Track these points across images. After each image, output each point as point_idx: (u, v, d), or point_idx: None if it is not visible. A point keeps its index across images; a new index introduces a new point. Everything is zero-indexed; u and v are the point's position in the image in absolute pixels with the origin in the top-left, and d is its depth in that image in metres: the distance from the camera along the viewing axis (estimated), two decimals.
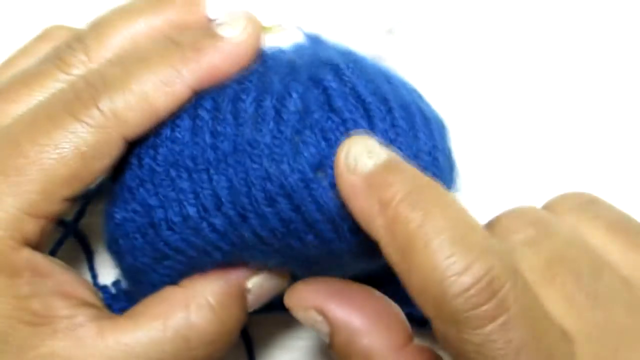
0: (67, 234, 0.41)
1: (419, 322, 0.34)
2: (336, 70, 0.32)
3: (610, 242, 0.31)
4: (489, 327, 0.26)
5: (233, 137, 0.31)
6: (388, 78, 0.33)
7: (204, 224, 0.32)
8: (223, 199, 0.31)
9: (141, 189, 0.33)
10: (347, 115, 0.31)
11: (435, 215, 0.27)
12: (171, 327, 0.33)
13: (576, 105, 0.46)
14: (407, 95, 0.33)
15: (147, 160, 0.33)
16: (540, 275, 0.29)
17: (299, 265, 0.34)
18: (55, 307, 0.32)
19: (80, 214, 0.41)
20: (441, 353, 0.32)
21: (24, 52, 0.38)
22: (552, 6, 0.47)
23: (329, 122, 0.31)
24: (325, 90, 0.31)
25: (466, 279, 0.26)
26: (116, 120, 0.32)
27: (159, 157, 0.33)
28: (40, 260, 0.32)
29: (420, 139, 0.32)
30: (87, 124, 0.32)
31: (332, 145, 0.31)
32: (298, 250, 0.32)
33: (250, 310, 0.35)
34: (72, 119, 0.32)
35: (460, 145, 0.36)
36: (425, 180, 0.29)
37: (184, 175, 0.32)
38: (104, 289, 0.41)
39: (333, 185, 0.30)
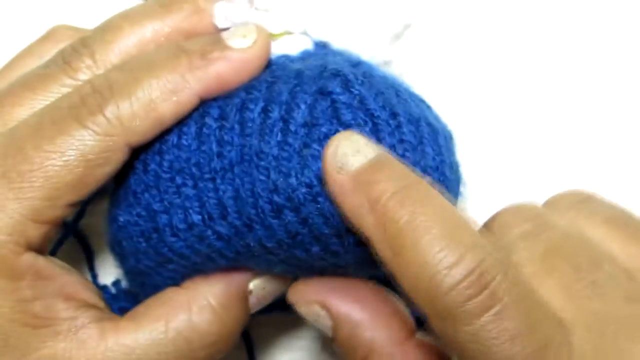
0: (67, 234, 0.41)
1: (416, 321, 0.34)
2: (345, 82, 0.32)
3: (610, 236, 0.31)
4: (484, 318, 0.26)
5: (240, 146, 0.31)
6: (397, 90, 0.33)
7: (209, 232, 0.32)
8: (229, 209, 0.31)
9: (146, 194, 0.33)
10: (355, 129, 0.31)
11: (423, 211, 0.27)
12: (173, 328, 0.33)
13: (579, 111, 0.46)
14: (415, 107, 0.33)
15: (153, 166, 0.33)
16: (539, 266, 0.29)
17: (303, 274, 0.34)
18: (56, 309, 0.32)
19: (80, 214, 0.40)
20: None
21: (29, 52, 0.37)
22: (556, 14, 0.47)
23: None
24: (333, 102, 0.31)
25: (458, 272, 0.26)
26: (122, 127, 0.32)
27: (165, 164, 0.33)
28: (43, 263, 0.32)
29: (428, 154, 0.32)
30: (92, 130, 0.32)
31: None
32: (303, 260, 0.32)
33: (252, 312, 0.35)
34: (77, 125, 0.32)
35: (464, 147, 0.36)
36: (412, 177, 0.29)
37: (190, 182, 0.32)
38: (104, 288, 0.41)
39: None
